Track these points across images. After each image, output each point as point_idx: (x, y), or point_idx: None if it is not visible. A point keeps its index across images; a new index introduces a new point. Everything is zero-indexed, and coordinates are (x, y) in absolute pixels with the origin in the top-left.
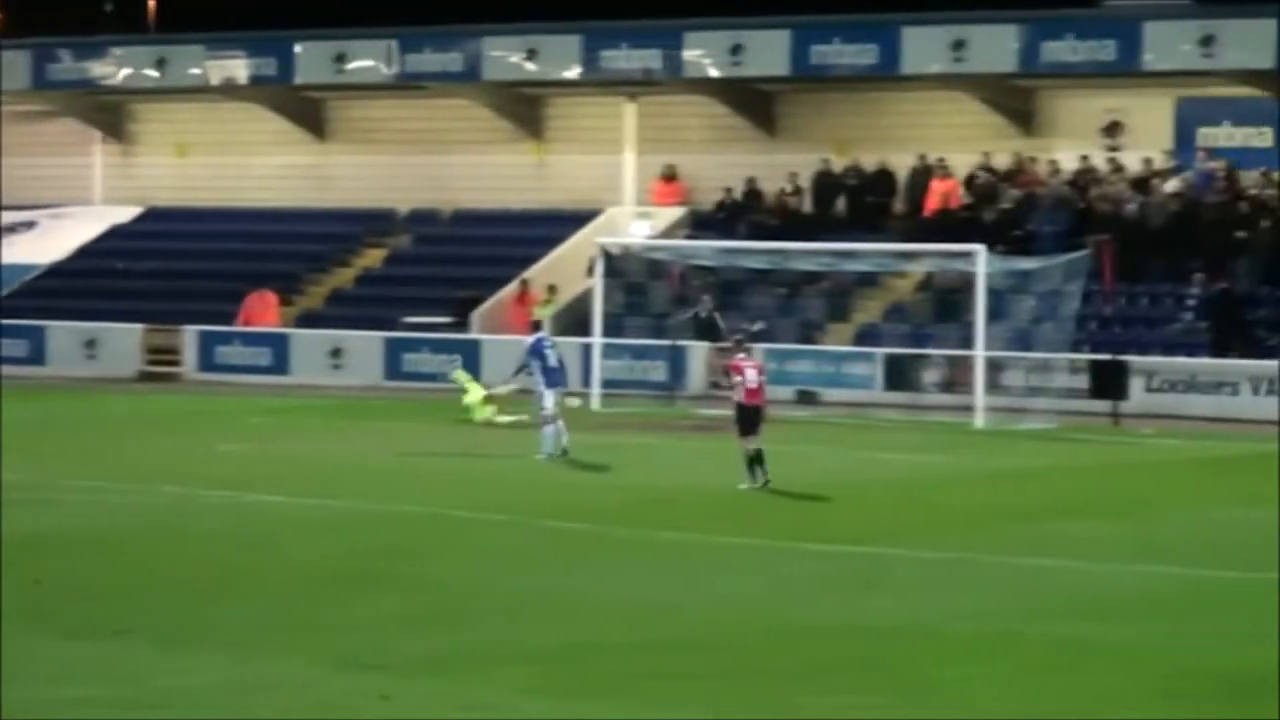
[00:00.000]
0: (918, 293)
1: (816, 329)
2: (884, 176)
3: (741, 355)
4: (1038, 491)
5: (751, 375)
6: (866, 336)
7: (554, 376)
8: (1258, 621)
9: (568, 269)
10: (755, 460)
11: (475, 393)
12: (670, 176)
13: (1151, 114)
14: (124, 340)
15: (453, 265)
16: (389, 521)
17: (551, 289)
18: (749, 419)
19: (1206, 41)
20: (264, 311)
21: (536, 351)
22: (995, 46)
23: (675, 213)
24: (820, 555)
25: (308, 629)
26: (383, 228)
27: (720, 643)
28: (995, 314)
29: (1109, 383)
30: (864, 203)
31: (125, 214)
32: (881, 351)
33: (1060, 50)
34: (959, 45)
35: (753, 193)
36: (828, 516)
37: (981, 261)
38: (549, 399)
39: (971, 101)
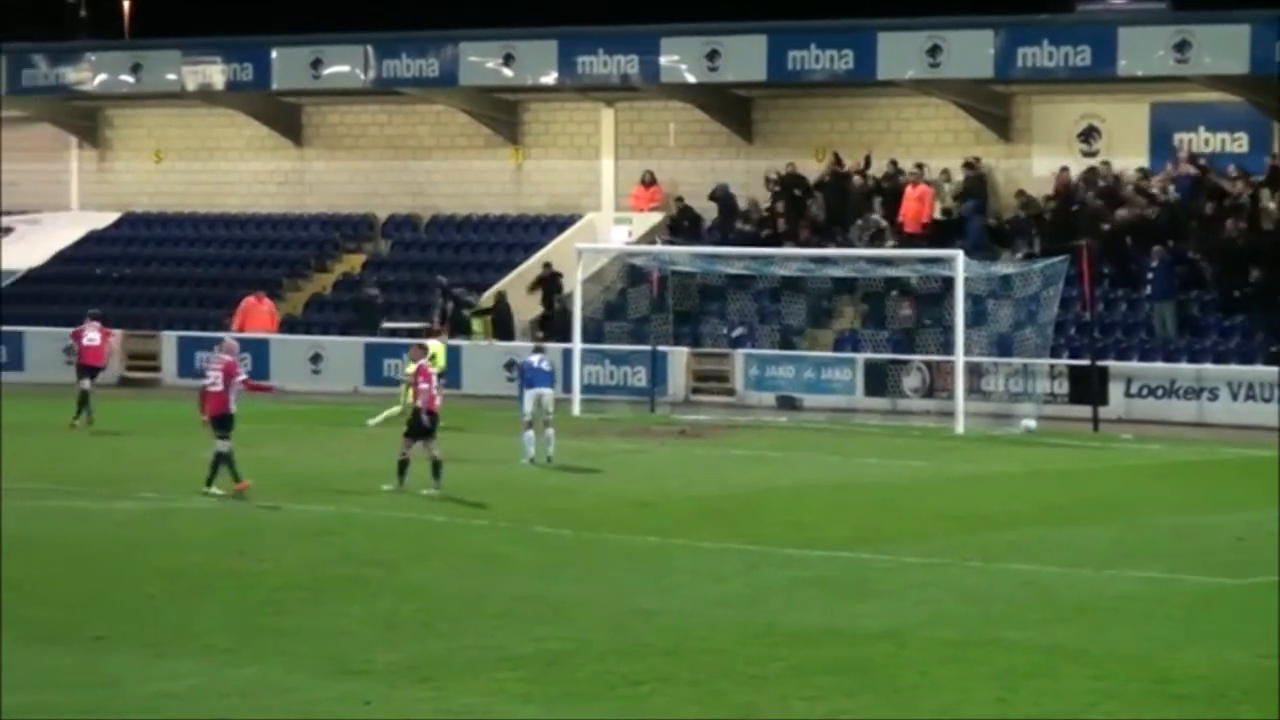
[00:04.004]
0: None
1: (797, 335)
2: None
3: (425, 361)
4: (1019, 496)
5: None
6: (846, 342)
7: (534, 378)
8: (1238, 625)
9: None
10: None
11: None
12: (649, 182)
13: (1127, 120)
14: None
15: (431, 271)
16: (370, 527)
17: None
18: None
19: (1181, 47)
20: (260, 316)
21: (524, 367)
22: (971, 52)
23: (653, 218)
24: (803, 560)
25: (289, 634)
26: (361, 233)
27: (704, 647)
28: (975, 319)
29: (1089, 388)
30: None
31: (103, 220)
32: (861, 357)
33: (1036, 56)
34: (935, 50)
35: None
36: (810, 521)
37: (960, 267)
38: (526, 404)
39: (947, 107)
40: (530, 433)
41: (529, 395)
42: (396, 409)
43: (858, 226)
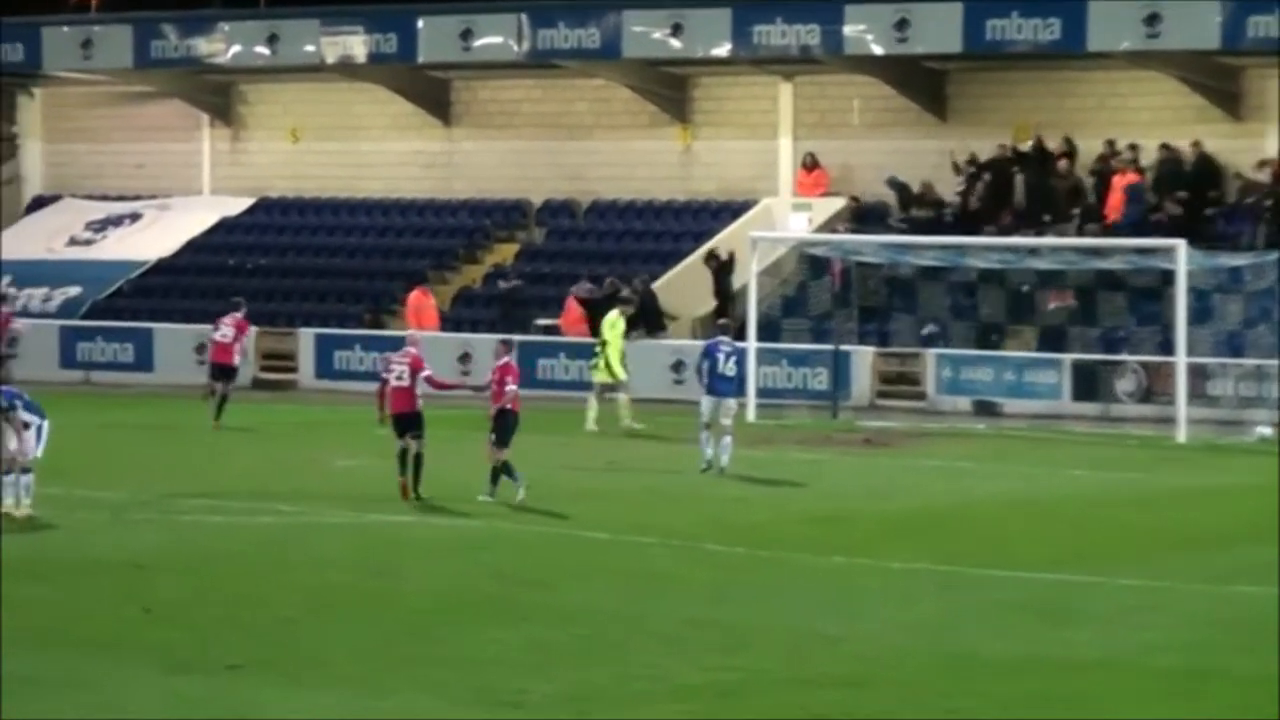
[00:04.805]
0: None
1: (996, 333)
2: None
3: (509, 358)
4: (1249, 512)
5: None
6: (1052, 341)
7: (716, 384)
8: None
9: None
10: (505, 471)
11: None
12: (811, 165)
13: None
14: None
15: (589, 263)
16: (524, 544)
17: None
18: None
19: None
20: (430, 312)
21: (708, 353)
22: (1194, 20)
23: (836, 203)
24: (1003, 581)
25: (436, 662)
26: (514, 220)
27: (893, 678)
28: (1199, 316)
29: None
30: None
31: (236, 205)
32: (1069, 358)
33: (1270, 25)
34: (1153, 19)
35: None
36: (1011, 539)
37: (1183, 258)
38: (704, 405)
39: (1168, 81)
40: (706, 433)
41: (708, 400)
42: (592, 397)
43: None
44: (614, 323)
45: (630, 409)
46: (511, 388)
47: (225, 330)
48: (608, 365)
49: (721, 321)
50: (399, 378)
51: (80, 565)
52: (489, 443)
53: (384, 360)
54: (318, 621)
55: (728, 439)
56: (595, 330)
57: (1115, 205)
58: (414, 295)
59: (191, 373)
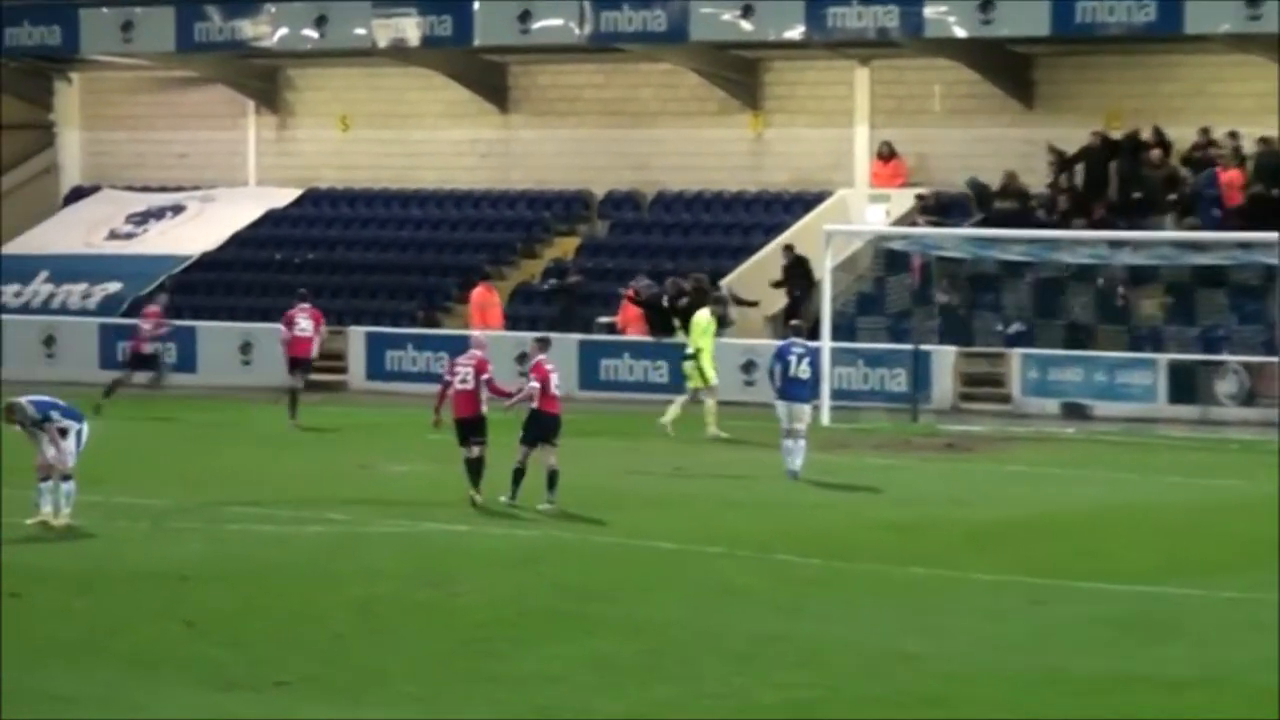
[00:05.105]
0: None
1: (1086, 331)
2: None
3: (544, 356)
4: None
5: (555, 379)
6: (1145, 340)
7: (788, 388)
8: None
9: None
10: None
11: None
12: (888, 155)
13: None
14: None
15: (654, 257)
16: (586, 554)
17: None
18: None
19: None
20: (494, 310)
21: (780, 355)
22: None
23: (914, 195)
24: (1096, 594)
25: (496, 679)
26: (575, 213)
27: (978, 696)
28: None
29: None
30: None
31: (283, 196)
32: (1165, 358)
33: None
34: (1254, 0)
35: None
36: (1103, 549)
37: None
38: (779, 410)
39: (1269, 66)
40: (789, 441)
41: (781, 405)
42: (681, 399)
43: None
44: (706, 326)
45: (716, 415)
46: (533, 385)
47: (304, 324)
48: (700, 371)
49: (794, 322)
50: (463, 380)
51: (120, 576)
52: (519, 440)
53: (449, 364)
54: (370, 636)
55: (801, 443)
56: (654, 329)
57: (1229, 199)
58: (478, 291)
59: (237, 373)
